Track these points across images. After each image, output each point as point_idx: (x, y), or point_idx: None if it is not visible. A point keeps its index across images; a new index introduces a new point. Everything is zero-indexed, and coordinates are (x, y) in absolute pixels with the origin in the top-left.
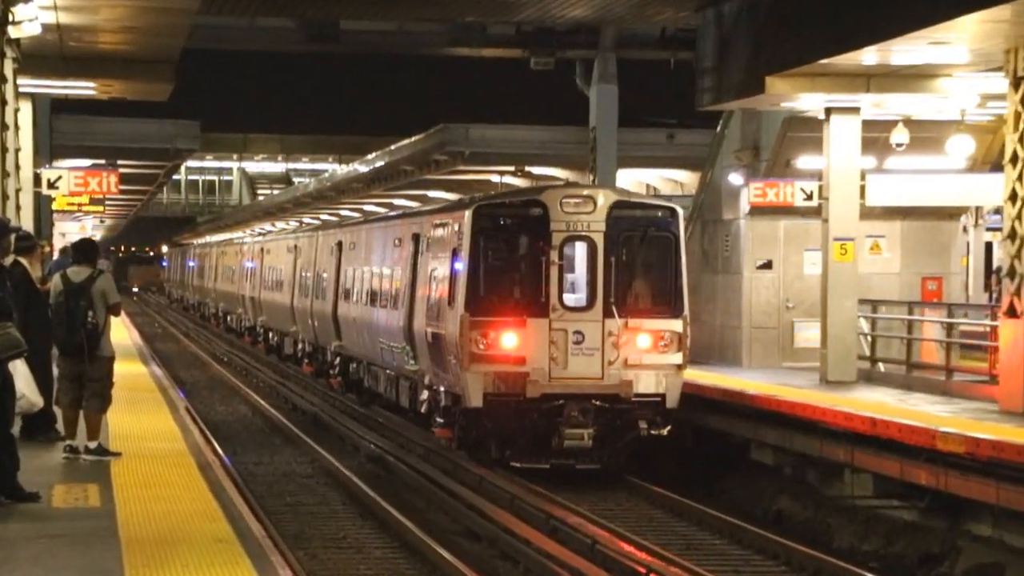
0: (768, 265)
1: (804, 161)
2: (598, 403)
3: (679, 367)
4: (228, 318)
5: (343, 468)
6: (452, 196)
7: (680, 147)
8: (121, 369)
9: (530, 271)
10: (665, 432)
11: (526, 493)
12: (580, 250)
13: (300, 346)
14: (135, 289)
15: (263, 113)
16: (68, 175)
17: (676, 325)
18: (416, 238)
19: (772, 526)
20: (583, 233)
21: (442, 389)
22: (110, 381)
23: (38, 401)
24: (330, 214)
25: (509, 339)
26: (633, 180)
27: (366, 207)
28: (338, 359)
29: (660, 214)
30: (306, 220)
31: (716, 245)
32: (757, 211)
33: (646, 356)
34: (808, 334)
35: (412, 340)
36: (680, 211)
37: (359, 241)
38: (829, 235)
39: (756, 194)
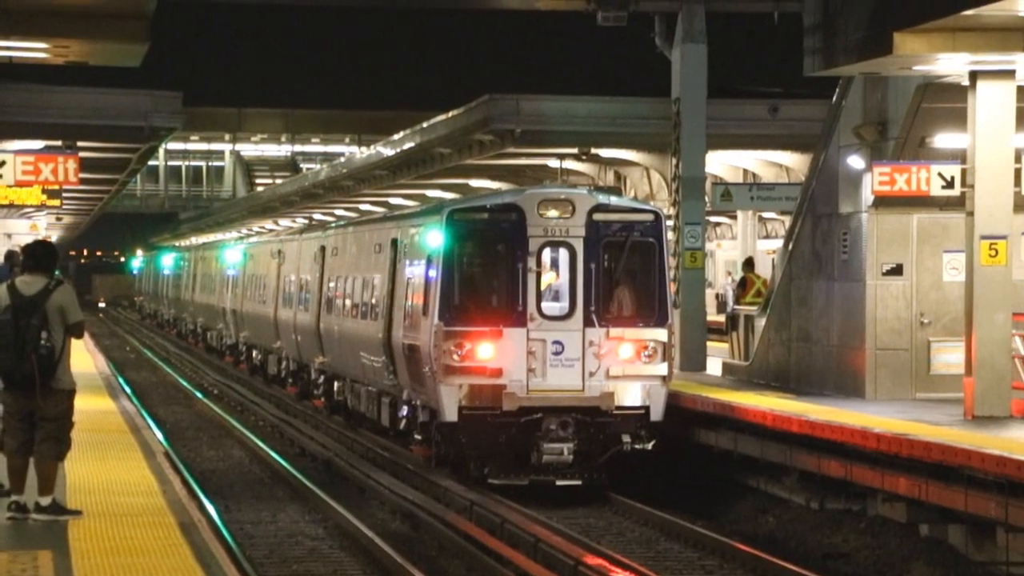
0: (897, 270)
1: (943, 139)
2: (578, 416)
3: (664, 378)
4: (208, 335)
5: (363, 527)
6: (499, 185)
7: (785, 123)
8: (83, 405)
9: (507, 279)
10: (650, 447)
11: (591, 556)
12: (559, 256)
13: (284, 364)
14: (101, 304)
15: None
16: (14, 160)
17: (660, 334)
18: (395, 244)
19: None
20: (562, 239)
21: (419, 404)
22: (69, 421)
23: None
24: (347, 209)
25: (485, 350)
26: (726, 164)
27: (393, 200)
28: (322, 377)
29: (643, 218)
30: (317, 217)
31: (831, 245)
32: (883, 202)
33: (629, 367)
34: (948, 358)
35: (391, 353)
36: (663, 215)
37: (341, 246)
38: (975, 232)
39: (882, 181)
